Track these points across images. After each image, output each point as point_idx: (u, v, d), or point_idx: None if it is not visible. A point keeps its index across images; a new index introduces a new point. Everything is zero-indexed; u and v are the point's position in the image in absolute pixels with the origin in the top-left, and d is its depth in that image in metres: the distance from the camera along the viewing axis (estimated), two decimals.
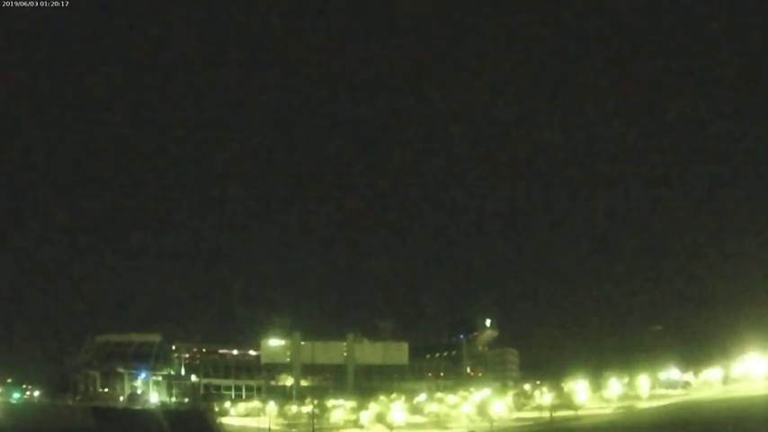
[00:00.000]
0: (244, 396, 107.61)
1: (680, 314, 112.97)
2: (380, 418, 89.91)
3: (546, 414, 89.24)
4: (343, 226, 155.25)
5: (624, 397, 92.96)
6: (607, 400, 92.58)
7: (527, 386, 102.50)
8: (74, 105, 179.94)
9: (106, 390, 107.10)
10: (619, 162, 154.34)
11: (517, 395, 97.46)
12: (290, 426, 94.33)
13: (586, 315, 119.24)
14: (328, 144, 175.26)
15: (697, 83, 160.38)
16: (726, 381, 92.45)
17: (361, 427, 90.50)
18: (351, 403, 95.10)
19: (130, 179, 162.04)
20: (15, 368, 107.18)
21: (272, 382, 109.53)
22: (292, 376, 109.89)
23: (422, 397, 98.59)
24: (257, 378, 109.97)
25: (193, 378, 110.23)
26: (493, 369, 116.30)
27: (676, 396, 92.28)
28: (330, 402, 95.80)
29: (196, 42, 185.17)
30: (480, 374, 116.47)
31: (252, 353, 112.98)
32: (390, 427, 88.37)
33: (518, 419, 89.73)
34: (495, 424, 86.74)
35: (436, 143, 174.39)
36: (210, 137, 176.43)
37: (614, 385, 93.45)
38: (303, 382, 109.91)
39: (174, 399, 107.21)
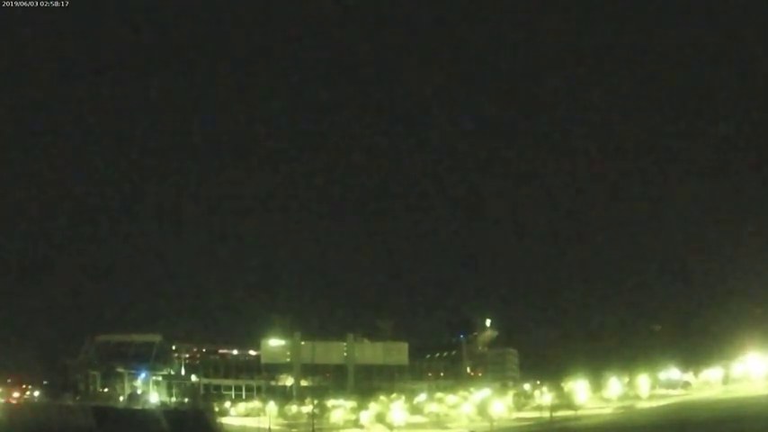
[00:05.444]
0: (244, 396, 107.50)
1: (680, 314, 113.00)
2: (380, 418, 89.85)
3: (546, 414, 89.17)
4: (343, 226, 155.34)
5: (624, 397, 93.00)
6: (607, 400, 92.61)
7: (527, 386, 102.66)
8: (74, 105, 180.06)
9: (106, 390, 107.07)
10: (619, 161, 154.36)
11: (517, 395, 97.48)
12: (290, 426, 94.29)
13: (586, 315, 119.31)
14: (328, 144, 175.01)
15: (695, 82, 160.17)
16: (726, 381, 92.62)
17: (361, 427, 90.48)
18: (351, 403, 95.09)
19: (131, 178, 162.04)
20: (15, 368, 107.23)
21: (272, 382, 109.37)
22: (292, 376, 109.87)
23: (422, 397, 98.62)
24: (257, 378, 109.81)
25: (193, 378, 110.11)
26: (493, 369, 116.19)
27: (676, 396, 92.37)
28: (330, 402, 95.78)
29: (196, 41, 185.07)
30: (480, 374, 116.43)
31: (252, 353, 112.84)
32: (390, 427, 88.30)
33: (518, 419, 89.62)
34: (495, 424, 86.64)
35: (437, 143, 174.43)
36: (210, 136, 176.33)
37: (614, 385, 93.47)
38: (303, 382, 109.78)
39: (174, 399, 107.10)
